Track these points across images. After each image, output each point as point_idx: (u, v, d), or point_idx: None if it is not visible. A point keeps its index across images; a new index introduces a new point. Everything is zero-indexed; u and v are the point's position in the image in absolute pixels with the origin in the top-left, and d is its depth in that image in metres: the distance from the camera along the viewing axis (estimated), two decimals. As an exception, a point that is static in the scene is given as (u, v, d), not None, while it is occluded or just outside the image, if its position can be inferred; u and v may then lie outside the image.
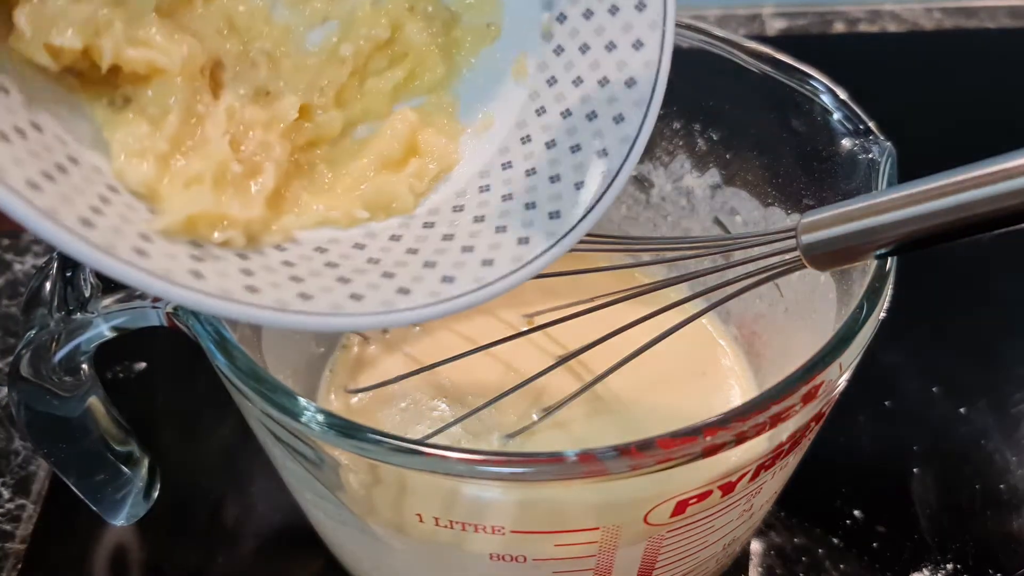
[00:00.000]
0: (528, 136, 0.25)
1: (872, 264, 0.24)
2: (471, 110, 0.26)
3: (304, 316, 0.20)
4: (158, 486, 0.33)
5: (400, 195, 0.24)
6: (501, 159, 0.25)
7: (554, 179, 0.24)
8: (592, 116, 0.24)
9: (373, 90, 0.26)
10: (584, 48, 0.25)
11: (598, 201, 0.23)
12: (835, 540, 0.36)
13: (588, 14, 0.25)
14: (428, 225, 0.24)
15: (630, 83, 0.24)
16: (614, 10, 0.24)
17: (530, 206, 0.24)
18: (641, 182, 0.38)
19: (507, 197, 0.24)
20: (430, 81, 0.26)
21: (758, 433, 0.22)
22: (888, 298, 0.24)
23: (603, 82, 0.24)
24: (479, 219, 0.24)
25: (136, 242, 0.19)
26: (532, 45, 0.26)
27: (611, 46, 0.24)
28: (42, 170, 0.19)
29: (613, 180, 0.23)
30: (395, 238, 0.24)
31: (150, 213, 0.21)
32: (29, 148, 0.19)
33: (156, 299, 0.25)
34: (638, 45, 0.24)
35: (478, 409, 0.31)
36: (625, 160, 0.23)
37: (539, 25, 0.26)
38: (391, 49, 0.26)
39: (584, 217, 0.23)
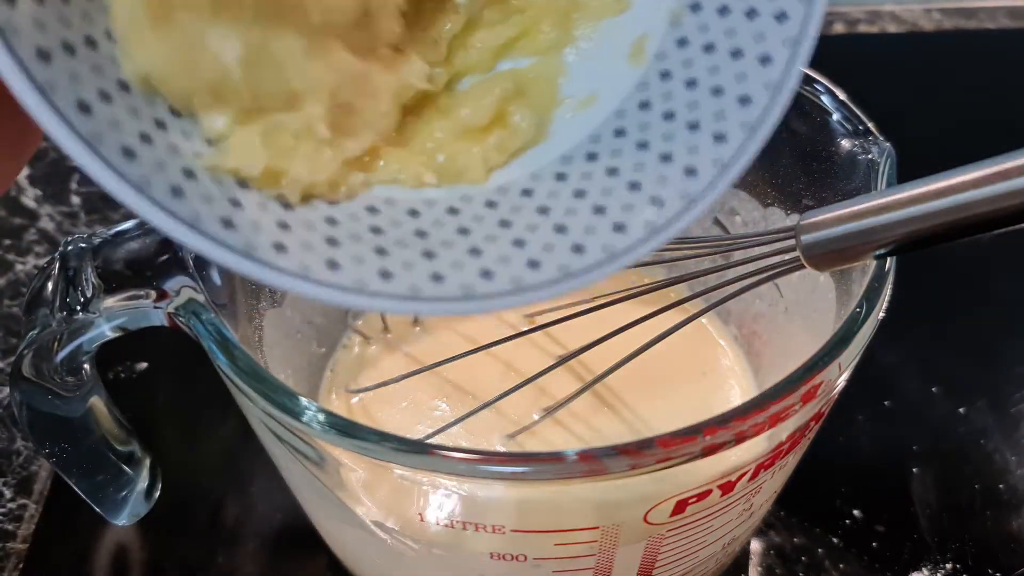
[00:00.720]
0: (623, 129, 0.23)
1: (871, 264, 0.25)
2: (574, 84, 0.24)
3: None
4: (159, 486, 0.33)
5: (473, 167, 0.22)
6: (589, 147, 0.23)
7: (634, 186, 0.22)
8: (693, 127, 0.22)
9: (480, 44, 0.23)
10: (709, 48, 0.22)
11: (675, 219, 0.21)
12: (835, 540, 0.36)
13: (723, 11, 0.22)
14: (492, 204, 0.22)
15: (744, 101, 0.21)
16: (752, 14, 0.22)
17: (599, 210, 0.21)
18: (641, 182, 0.38)
19: (579, 194, 0.22)
20: (542, 43, 0.24)
21: (757, 433, 0.22)
22: (887, 298, 0.24)
23: (716, 92, 0.21)
24: (543, 210, 0.22)
25: (177, 178, 0.18)
26: (657, 28, 0.23)
27: (737, 54, 0.22)
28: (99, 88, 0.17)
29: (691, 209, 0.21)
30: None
31: (206, 146, 0.19)
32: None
33: (158, 299, 0.25)
34: (765, 61, 0.21)
35: (478, 409, 0.32)
36: (715, 184, 0.21)
37: (670, 8, 0.23)
38: (508, 2, 0.24)
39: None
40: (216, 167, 0.19)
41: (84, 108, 0.17)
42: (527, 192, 0.22)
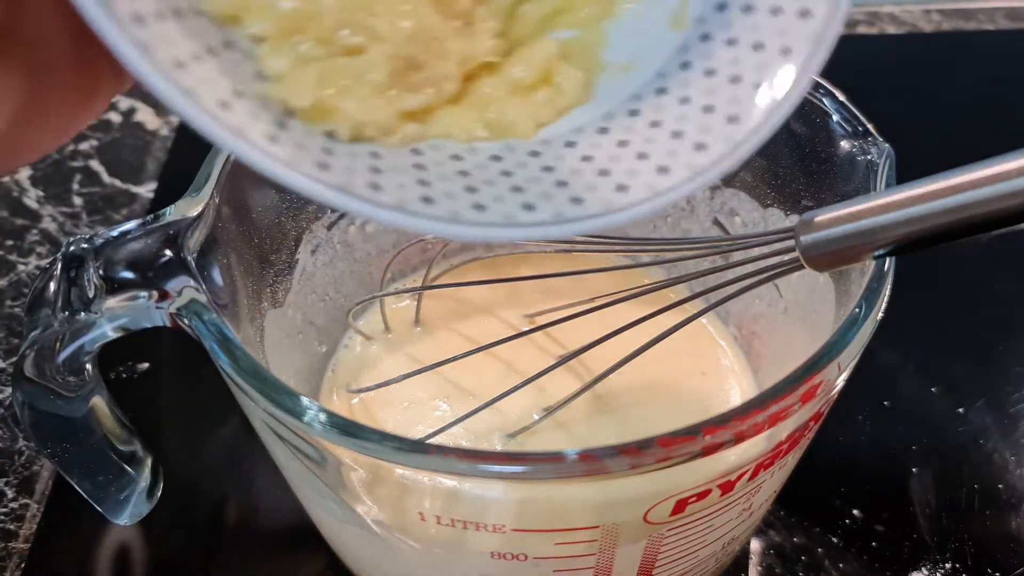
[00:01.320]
0: (665, 88, 0.23)
1: (871, 264, 0.25)
2: (616, 52, 0.24)
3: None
4: (161, 486, 0.33)
5: (522, 122, 0.23)
6: (631, 105, 0.24)
7: (677, 135, 0.22)
8: (735, 80, 0.22)
9: (525, 16, 0.24)
10: (747, 8, 0.23)
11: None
12: (834, 539, 0.36)
13: None
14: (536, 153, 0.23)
15: (785, 52, 0.22)
16: None
17: (642, 155, 0.22)
18: (641, 183, 0.38)
19: (622, 143, 0.23)
20: (584, 17, 0.25)
21: (757, 432, 0.22)
22: (886, 298, 0.24)
23: (757, 47, 0.22)
24: (586, 158, 0.23)
25: (224, 95, 0.19)
26: None
27: (777, 11, 0.23)
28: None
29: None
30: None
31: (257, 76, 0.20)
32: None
33: (160, 299, 0.25)
34: (804, 14, 0.22)
35: (479, 409, 0.32)
36: (759, 129, 0.22)
37: None
38: None
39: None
40: (266, 95, 0.20)
41: (138, 19, 0.18)
42: (570, 144, 0.23)
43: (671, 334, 0.28)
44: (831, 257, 0.24)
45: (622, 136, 0.23)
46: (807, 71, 0.22)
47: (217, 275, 0.27)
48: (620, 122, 0.23)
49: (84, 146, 0.56)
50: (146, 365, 0.42)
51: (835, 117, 0.29)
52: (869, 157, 0.28)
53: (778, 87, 0.22)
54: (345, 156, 0.20)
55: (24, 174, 0.54)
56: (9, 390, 0.41)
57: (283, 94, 0.20)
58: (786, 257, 0.26)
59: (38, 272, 0.47)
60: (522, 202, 0.21)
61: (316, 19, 0.21)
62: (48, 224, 0.51)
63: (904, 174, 0.25)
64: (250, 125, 0.19)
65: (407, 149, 0.22)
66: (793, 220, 0.30)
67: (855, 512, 0.37)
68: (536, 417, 0.33)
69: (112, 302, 0.26)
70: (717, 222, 0.37)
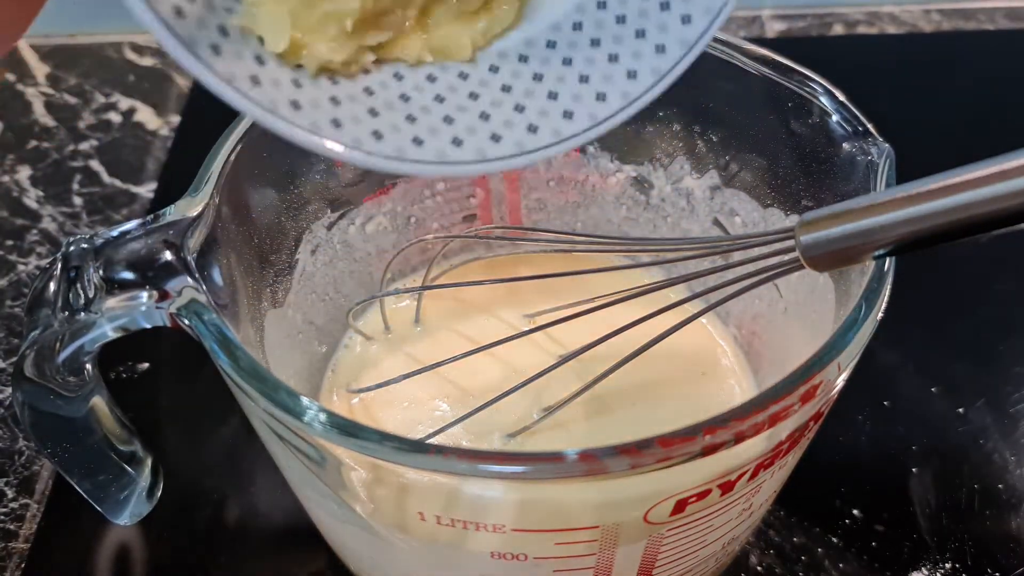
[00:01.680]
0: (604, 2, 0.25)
1: (870, 264, 0.25)
2: None
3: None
4: (161, 486, 0.33)
5: (461, 46, 0.25)
6: (574, 17, 0.25)
7: (612, 58, 0.24)
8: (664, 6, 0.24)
9: None
10: None
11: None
12: (834, 539, 0.36)
13: None
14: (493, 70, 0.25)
15: None
16: None
17: (583, 79, 0.24)
18: (641, 183, 0.38)
19: (566, 61, 0.25)
20: None
21: (757, 432, 0.22)
22: (886, 298, 0.24)
23: None
24: (528, 92, 0.24)
25: (215, 37, 0.20)
26: None
27: None
28: None
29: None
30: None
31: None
32: None
33: (160, 299, 0.25)
34: None
35: (479, 409, 0.32)
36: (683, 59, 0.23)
37: None
38: None
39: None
40: (246, 29, 0.21)
41: None
42: (506, 87, 0.25)
43: (671, 334, 0.28)
44: (831, 257, 0.24)
45: (568, 53, 0.25)
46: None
47: (217, 275, 0.27)
48: (564, 43, 0.25)
49: (84, 146, 0.56)
50: (146, 365, 0.42)
51: (835, 117, 0.29)
52: (869, 157, 0.28)
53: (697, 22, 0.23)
54: (311, 93, 0.22)
55: (24, 174, 0.54)
56: (9, 390, 0.41)
57: (262, 31, 0.21)
58: (786, 257, 0.26)
59: (38, 272, 0.47)
60: (490, 132, 0.23)
61: None
62: (48, 224, 0.51)
63: (904, 174, 0.25)
64: (237, 69, 0.20)
65: (361, 88, 0.23)
66: (793, 220, 0.30)
67: (855, 512, 0.37)
68: (536, 417, 0.33)
69: (112, 302, 0.26)
70: (717, 222, 0.37)
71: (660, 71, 0.24)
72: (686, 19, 0.24)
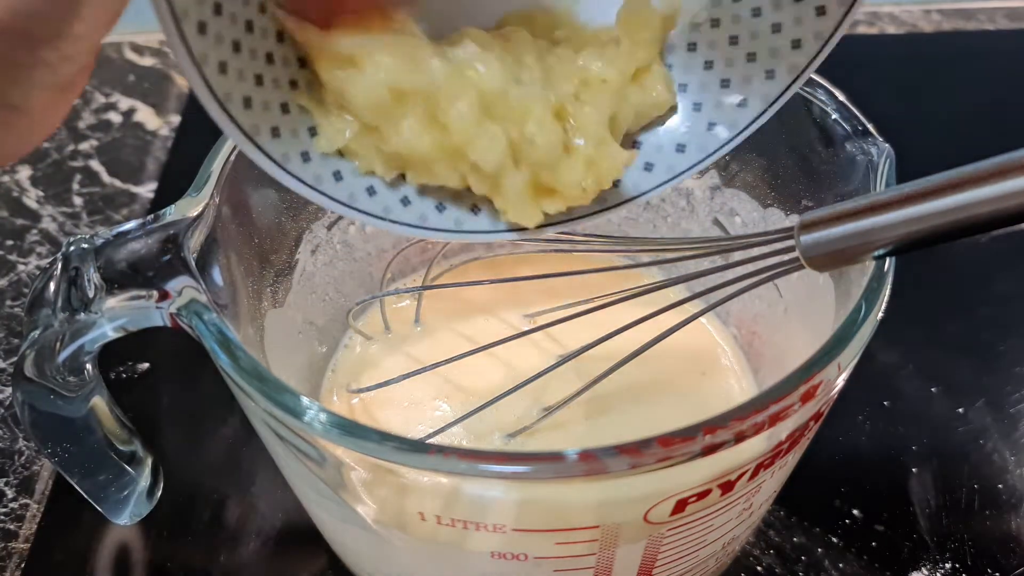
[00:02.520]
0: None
1: (870, 264, 0.25)
2: None
3: None
4: (161, 486, 0.33)
5: (531, 216, 0.26)
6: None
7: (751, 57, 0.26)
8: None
9: None
10: None
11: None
12: (834, 539, 0.36)
13: None
14: None
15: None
16: None
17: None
18: (641, 183, 0.38)
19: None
20: None
21: (757, 432, 0.22)
22: (886, 298, 0.24)
23: None
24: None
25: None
26: None
27: None
28: None
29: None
30: None
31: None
32: None
33: (160, 299, 0.25)
34: None
35: (479, 409, 0.32)
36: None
37: None
38: None
39: None
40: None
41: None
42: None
43: (671, 334, 0.28)
44: (831, 257, 0.24)
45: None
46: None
47: (217, 275, 0.27)
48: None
49: (84, 146, 0.56)
50: (146, 365, 0.42)
51: (835, 117, 0.29)
52: (869, 157, 0.28)
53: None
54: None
55: (24, 174, 0.54)
56: (9, 390, 0.41)
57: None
58: (786, 257, 0.26)
59: (38, 272, 0.47)
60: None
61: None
62: (48, 224, 0.51)
63: (904, 174, 0.25)
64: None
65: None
66: (793, 220, 0.30)
67: (855, 512, 0.37)
68: (536, 417, 0.33)
69: (112, 302, 0.26)
70: (717, 222, 0.37)
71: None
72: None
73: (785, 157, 0.32)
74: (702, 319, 0.38)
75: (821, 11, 0.25)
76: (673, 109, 0.28)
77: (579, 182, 0.25)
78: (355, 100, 0.24)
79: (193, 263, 0.26)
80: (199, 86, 0.21)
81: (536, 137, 0.24)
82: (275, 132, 0.24)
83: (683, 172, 0.27)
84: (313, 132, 0.25)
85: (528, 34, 0.26)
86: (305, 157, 0.25)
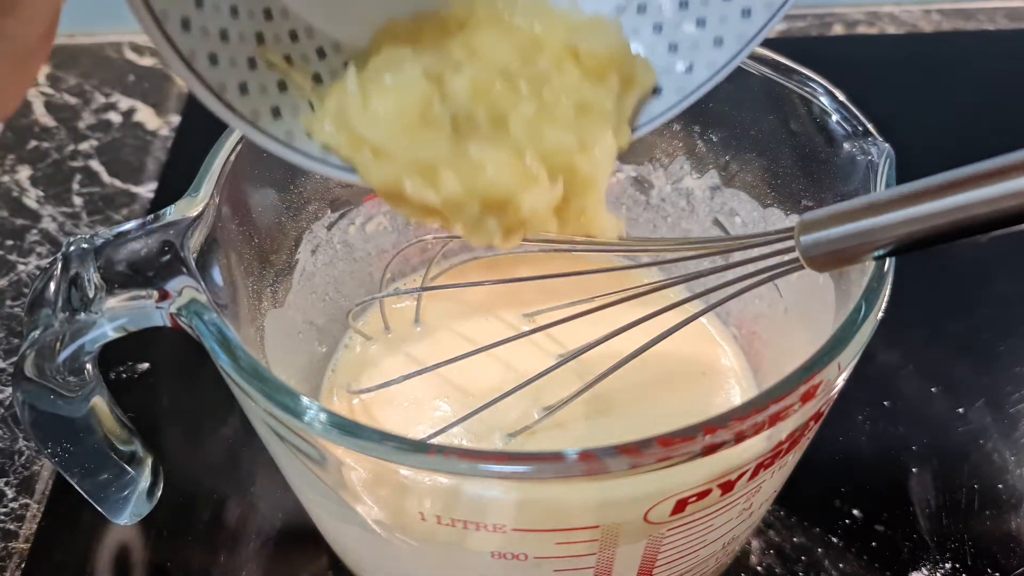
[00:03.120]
0: None
1: (870, 264, 0.25)
2: None
3: None
4: (161, 485, 0.33)
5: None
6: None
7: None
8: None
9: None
10: None
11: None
12: (834, 539, 0.36)
13: None
14: None
15: None
16: None
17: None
18: (641, 183, 0.38)
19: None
20: None
21: (757, 432, 0.22)
22: (886, 298, 0.24)
23: None
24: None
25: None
26: None
27: None
28: None
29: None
30: None
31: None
32: None
33: (160, 299, 0.25)
34: None
35: (479, 409, 0.32)
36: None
37: None
38: None
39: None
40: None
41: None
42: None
43: (671, 334, 0.28)
44: (831, 257, 0.24)
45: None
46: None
47: (217, 275, 0.27)
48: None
49: (84, 146, 0.56)
50: (146, 365, 0.42)
51: (835, 117, 0.29)
52: (869, 157, 0.28)
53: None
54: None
55: (24, 174, 0.54)
56: (9, 390, 0.41)
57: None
58: (786, 257, 0.26)
59: (38, 272, 0.47)
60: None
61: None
62: (48, 224, 0.51)
63: (904, 174, 0.25)
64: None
65: None
66: (793, 220, 0.30)
67: (855, 512, 0.37)
68: (536, 417, 0.33)
69: (112, 302, 0.26)
70: (717, 222, 0.37)
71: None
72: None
73: (785, 157, 0.32)
74: (702, 319, 0.38)
75: None
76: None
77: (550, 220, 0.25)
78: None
79: (193, 263, 0.26)
80: (192, 82, 0.21)
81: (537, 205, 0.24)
82: (276, 112, 0.24)
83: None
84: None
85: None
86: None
